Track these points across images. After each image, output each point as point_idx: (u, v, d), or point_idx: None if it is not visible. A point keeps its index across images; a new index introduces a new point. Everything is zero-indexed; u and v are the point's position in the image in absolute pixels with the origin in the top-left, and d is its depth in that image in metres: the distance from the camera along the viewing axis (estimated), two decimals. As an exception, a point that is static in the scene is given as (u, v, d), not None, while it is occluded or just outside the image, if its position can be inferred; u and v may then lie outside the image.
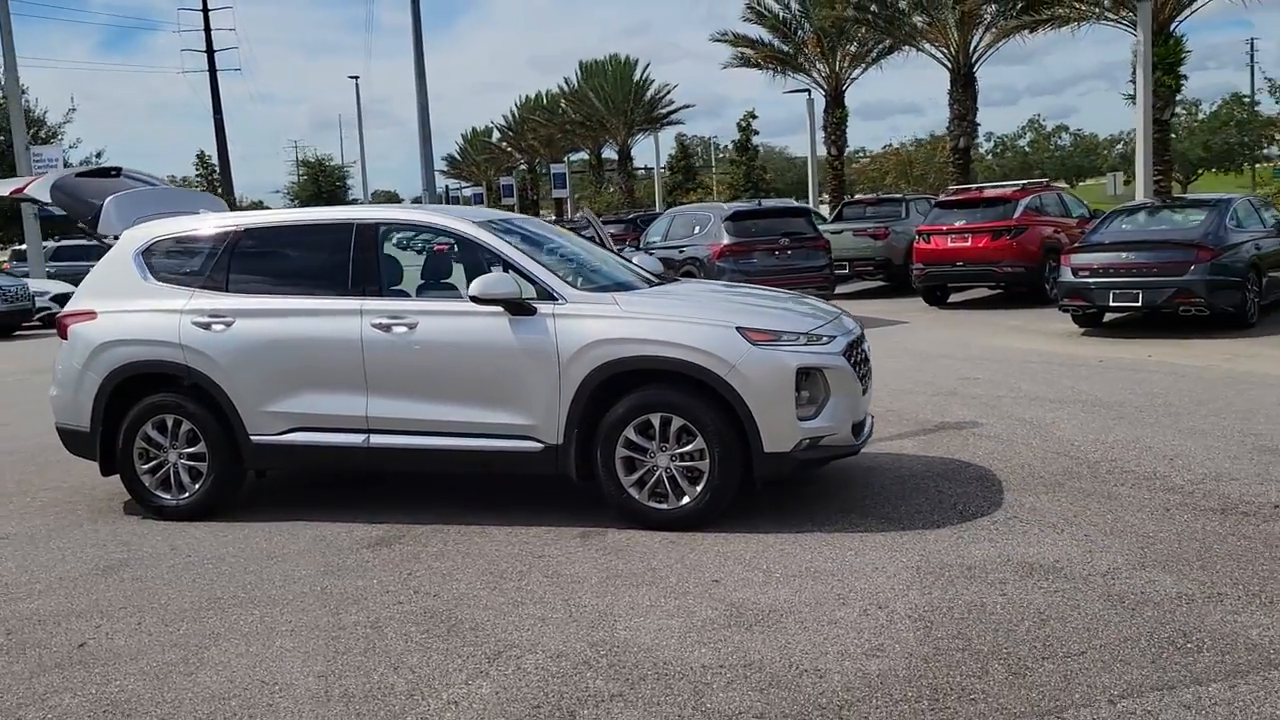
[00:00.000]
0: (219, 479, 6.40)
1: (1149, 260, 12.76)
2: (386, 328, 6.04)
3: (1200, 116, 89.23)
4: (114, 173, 7.41)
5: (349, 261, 6.27)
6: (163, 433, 6.50)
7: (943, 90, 29.35)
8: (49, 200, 6.99)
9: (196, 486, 6.46)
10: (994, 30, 27.32)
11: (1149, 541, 5.14)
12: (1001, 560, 4.97)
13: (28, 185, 7.06)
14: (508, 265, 6.00)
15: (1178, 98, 24.32)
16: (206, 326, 6.33)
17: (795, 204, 22.10)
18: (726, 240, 15.40)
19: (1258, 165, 69.35)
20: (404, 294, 6.49)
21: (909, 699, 3.65)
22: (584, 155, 64.78)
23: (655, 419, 5.69)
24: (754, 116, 44.42)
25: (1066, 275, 13.34)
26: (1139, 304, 12.60)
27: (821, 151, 36.67)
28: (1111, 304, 12.71)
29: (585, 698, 3.78)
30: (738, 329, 5.66)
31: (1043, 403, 8.61)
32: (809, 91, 33.55)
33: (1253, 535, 5.16)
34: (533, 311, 5.85)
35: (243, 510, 6.56)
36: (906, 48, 31.03)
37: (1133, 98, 24.17)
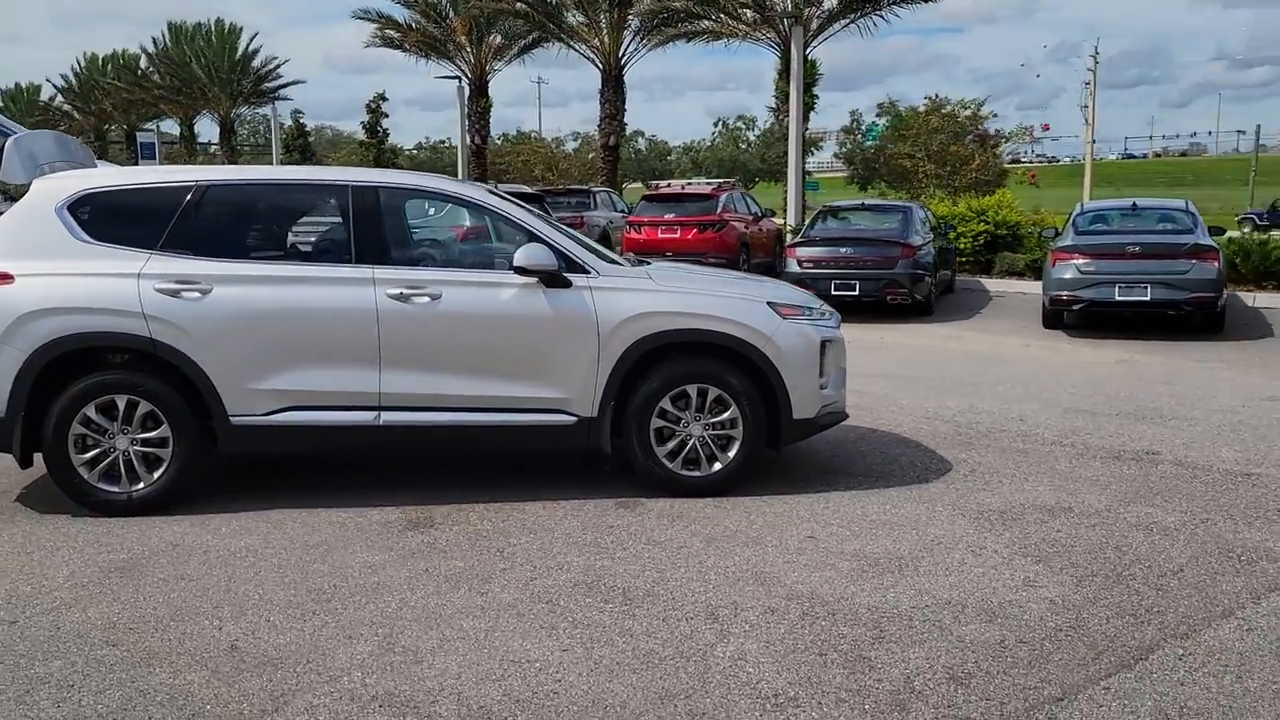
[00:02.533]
0: (184, 467, 5.72)
1: (863, 255, 14.57)
2: (405, 298, 5.74)
3: (757, 132, 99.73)
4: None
5: (348, 227, 5.86)
6: (109, 416, 5.67)
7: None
8: (-73, 138, 5.77)
9: (155, 476, 5.71)
10: (654, 36, 28.97)
11: (1103, 484, 6.21)
12: (1019, 505, 5.80)
13: None
14: (533, 236, 5.93)
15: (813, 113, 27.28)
16: (175, 294, 5.62)
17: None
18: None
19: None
20: (417, 263, 6.16)
21: (1111, 615, 4.30)
22: (173, 125, 59.57)
23: (692, 390, 5.94)
24: (384, 99, 43.32)
25: (793, 267, 14.86)
26: (857, 293, 14.31)
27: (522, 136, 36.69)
28: (833, 293, 14.25)
29: (844, 642, 4.04)
30: (768, 303, 6.05)
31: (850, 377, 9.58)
32: (459, 78, 33.54)
33: (1169, 475, 6.39)
34: (568, 284, 5.85)
35: (192, 504, 5.88)
36: (558, 44, 32.02)
37: (775, 110, 26.97)
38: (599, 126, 31.62)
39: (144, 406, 5.63)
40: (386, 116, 42.13)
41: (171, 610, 4.40)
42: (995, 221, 19.63)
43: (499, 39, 34.55)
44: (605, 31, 29.92)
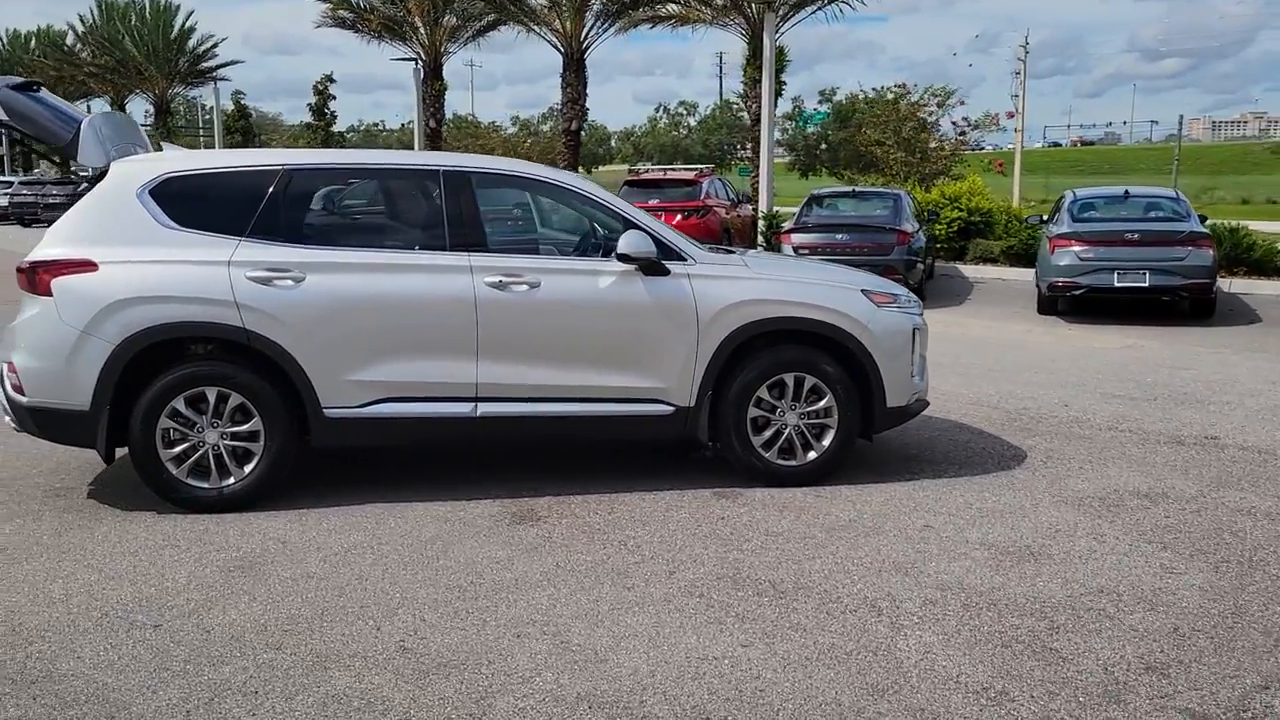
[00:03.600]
0: (275, 462, 5.54)
1: (860, 242, 14.65)
2: (503, 286, 5.62)
3: (697, 118, 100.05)
4: (34, 88, 5.93)
5: (442, 212, 5.71)
6: (197, 410, 5.47)
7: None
8: (2, 115, 5.48)
9: (246, 471, 5.53)
10: (617, 20, 28.74)
11: (1183, 469, 6.31)
12: (1113, 491, 5.87)
13: None
14: (631, 223, 5.85)
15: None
16: (267, 282, 5.44)
17: None
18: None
19: (734, 163, 78.66)
20: (511, 250, 6.04)
21: (1267, 601, 4.37)
22: (104, 105, 57.73)
23: (789, 378, 5.90)
24: (332, 80, 42.43)
25: (788, 254, 14.88)
26: (853, 280, 14.38)
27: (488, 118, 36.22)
28: (829, 279, 14.31)
29: (1021, 633, 4.05)
30: (862, 291, 6.04)
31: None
32: (416, 60, 32.98)
33: (1240, 459, 6.53)
34: (666, 271, 5.78)
35: (279, 500, 5.70)
36: (517, 27, 31.64)
37: (744, 97, 26.98)
38: (560, 111, 31.39)
39: (235, 399, 5.44)
40: (334, 99, 41.27)
41: (316, 611, 4.26)
42: (969, 208, 19.88)
43: (454, 20, 34.00)
44: (567, 15, 29.60)
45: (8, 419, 5.62)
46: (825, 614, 4.20)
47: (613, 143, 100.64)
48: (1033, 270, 17.07)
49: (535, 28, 30.52)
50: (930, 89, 26.03)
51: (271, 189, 5.59)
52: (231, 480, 5.49)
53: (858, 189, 17.98)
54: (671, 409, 5.80)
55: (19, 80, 5.73)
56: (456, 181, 5.73)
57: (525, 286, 5.63)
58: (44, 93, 5.77)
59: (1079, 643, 3.92)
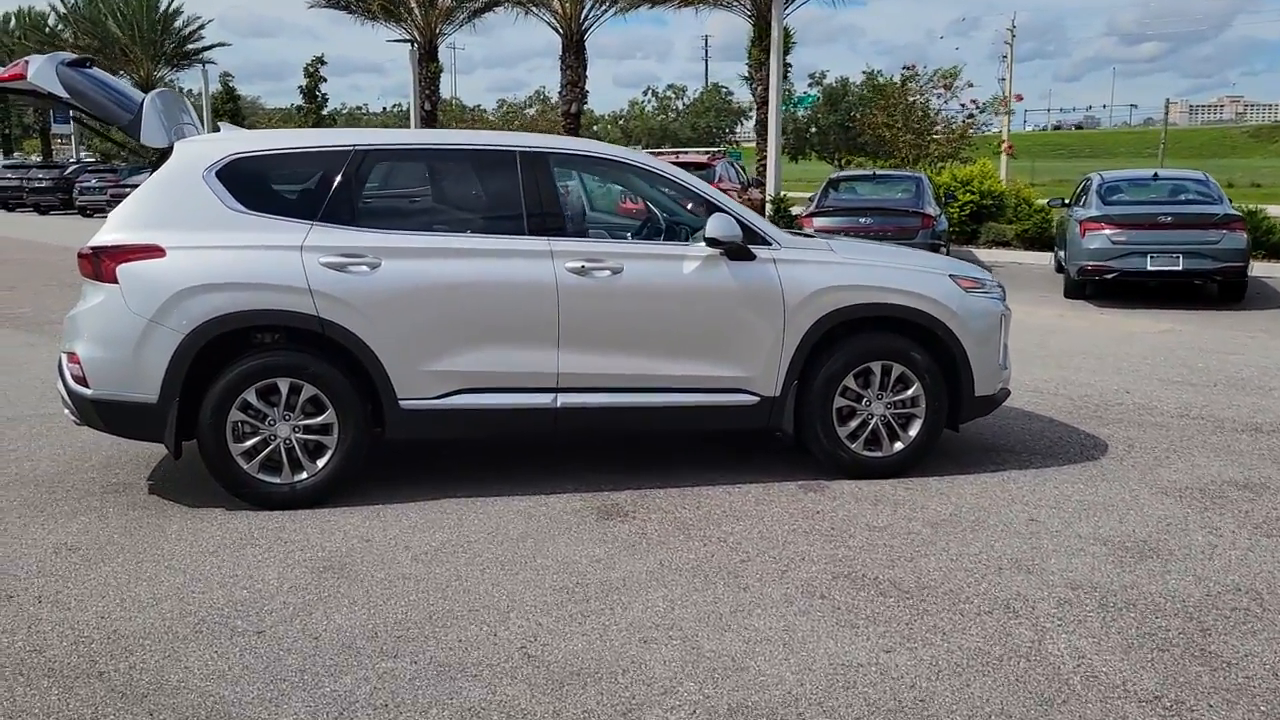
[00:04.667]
0: (349, 456, 5.31)
1: (883, 225, 14.46)
2: (585, 271, 5.40)
3: (686, 100, 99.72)
4: (87, 64, 5.64)
5: (520, 195, 5.48)
6: (269, 402, 5.23)
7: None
8: (60, 92, 5.20)
9: (319, 466, 5.30)
10: (620, 2, 28.41)
11: (1274, 458, 6.16)
12: (1209, 481, 5.71)
13: (24, 69, 5.18)
14: (714, 206, 5.63)
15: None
16: (341, 268, 5.20)
17: None
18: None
19: (725, 145, 78.69)
20: (591, 234, 5.81)
21: None
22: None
23: (876, 367, 5.71)
24: (323, 62, 41.90)
25: (810, 237, 14.68)
26: (876, 264, 14.18)
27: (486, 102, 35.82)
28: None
29: (1173, 635, 3.88)
30: (950, 275, 5.84)
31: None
32: (412, 43, 32.57)
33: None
34: (752, 256, 5.57)
35: (349, 496, 5.49)
36: (515, 8, 31.27)
37: (749, 79, 26.74)
38: (560, 93, 31.12)
39: (308, 390, 5.21)
40: (324, 81, 40.77)
41: (424, 615, 4.05)
42: (981, 191, 19.72)
43: (450, 2, 33.58)
44: (565, -5, 29.28)
45: (67, 412, 5.37)
46: (959, 615, 4.02)
47: (595, 128, 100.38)
48: (1049, 254, 16.98)
49: (534, 9, 30.17)
50: (939, 71, 25.80)
51: (343, 170, 5.34)
52: (304, 475, 5.26)
53: (877, 172, 17.76)
54: (756, 399, 5.60)
55: (72, 56, 5.45)
56: (534, 162, 5.49)
57: (607, 272, 5.41)
58: (95, 70, 5.49)
59: (1237, 645, 3.75)
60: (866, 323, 5.73)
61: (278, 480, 5.24)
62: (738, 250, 5.51)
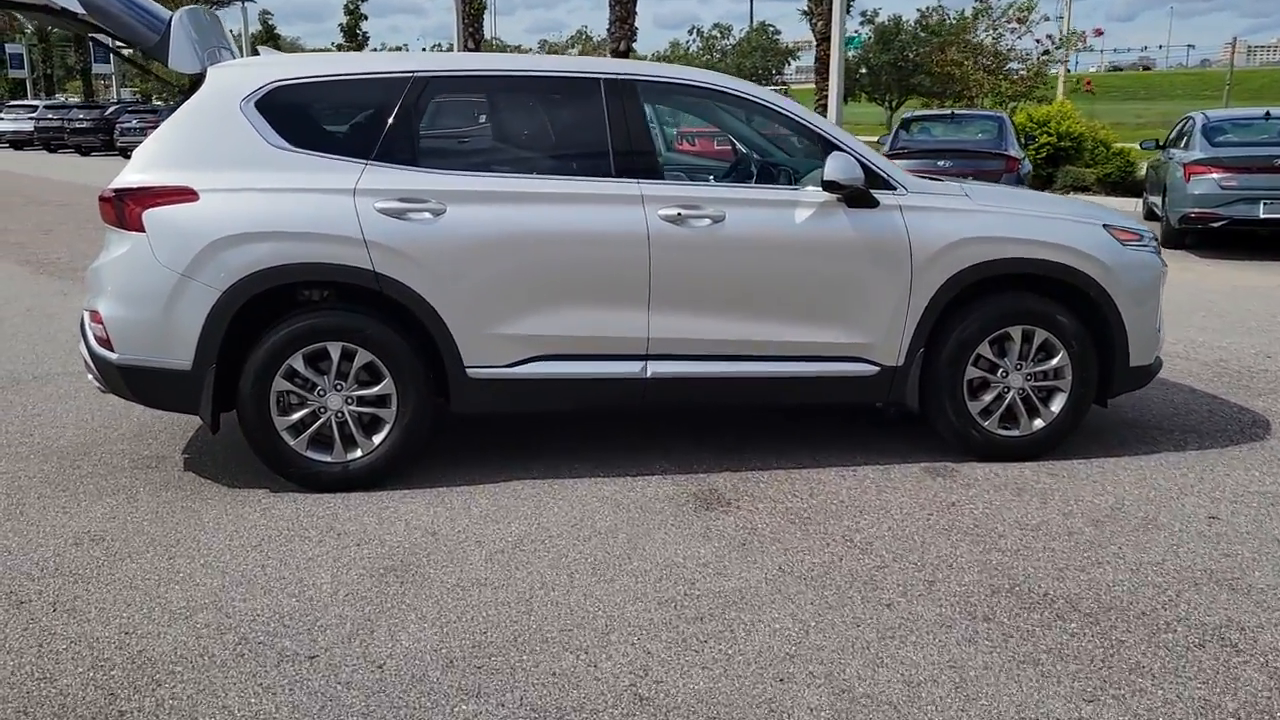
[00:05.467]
0: (409, 431, 4.61)
1: (965, 169, 13.41)
2: (681, 219, 4.62)
3: (731, 41, 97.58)
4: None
5: (606, 130, 4.69)
6: (317, 369, 4.53)
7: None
8: (75, 8, 4.47)
9: (375, 442, 4.60)
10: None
11: None
12: None
13: None
14: (833, 145, 4.81)
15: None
16: (400, 215, 4.45)
17: None
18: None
19: (775, 86, 76.82)
20: (688, 176, 5.03)
21: None
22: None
23: (1016, 332, 4.90)
24: (364, -1, 40.95)
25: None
26: (956, 210, 13.25)
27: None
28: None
29: None
30: (1104, 226, 5.00)
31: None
32: (454, -22, 31.42)
33: None
34: (875, 203, 4.76)
35: (407, 476, 4.83)
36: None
37: (808, 15, 25.54)
38: (609, 31, 29.93)
39: (362, 356, 4.50)
40: (365, 19, 39.80)
41: (507, 636, 3.35)
42: (1058, 133, 18.59)
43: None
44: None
45: (91, 378, 4.70)
46: (1165, 650, 3.26)
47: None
48: (1135, 200, 15.91)
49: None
50: (1014, 5, 24.39)
51: (401, 101, 4.58)
52: (358, 453, 4.58)
53: (955, 111, 16.68)
54: (876, 369, 4.83)
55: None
56: (621, 92, 4.70)
57: (707, 220, 4.62)
58: None
59: None
60: (1004, 281, 4.91)
61: (328, 459, 4.56)
62: (859, 196, 4.71)
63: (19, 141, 39.29)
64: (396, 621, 3.44)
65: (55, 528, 4.20)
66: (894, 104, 54.96)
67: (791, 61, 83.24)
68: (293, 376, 4.49)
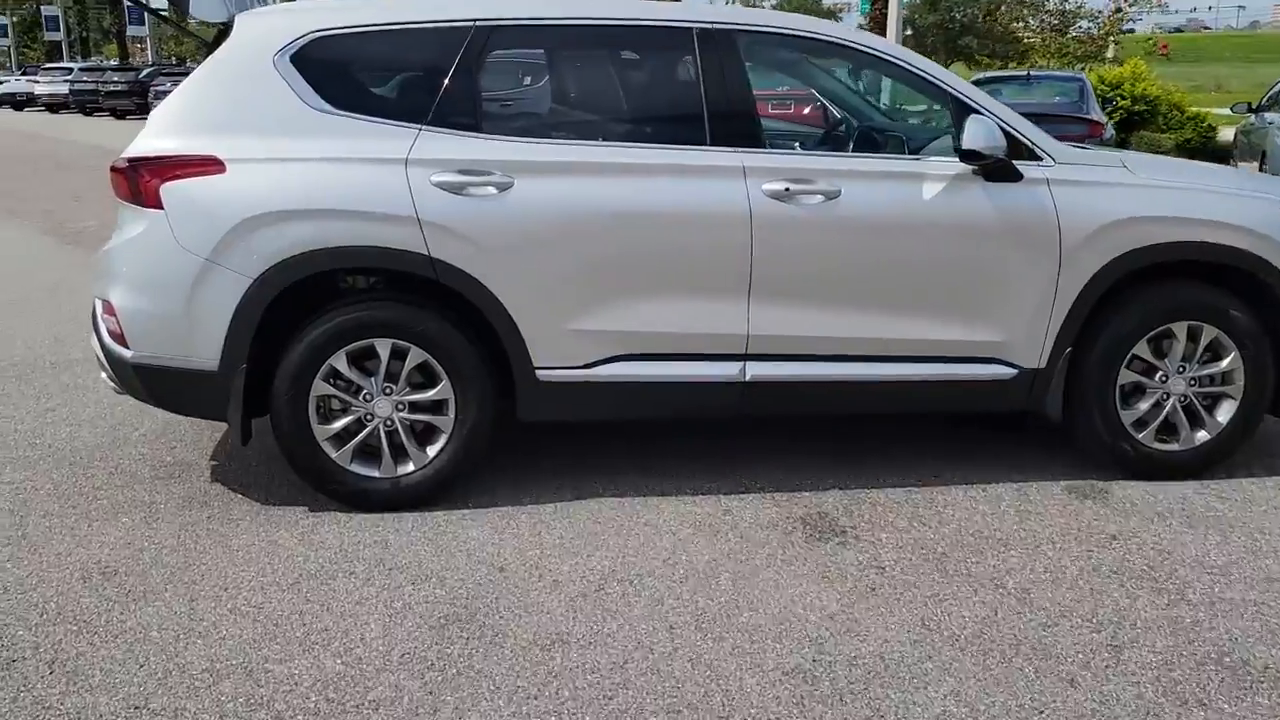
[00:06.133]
0: (469, 441, 3.94)
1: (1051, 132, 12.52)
2: (789, 196, 3.89)
3: (770, 3, 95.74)
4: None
5: (700, 89, 3.96)
6: (364, 370, 3.86)
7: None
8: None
9: (429, 455, 3.93)
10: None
11: None
12: None
13: None
14: (968, 107, 4.05)
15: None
16: (460, 189, 3.75)
17: None
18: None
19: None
20: (796, 144, 4.30)
21: None
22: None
23: (1180, 330, 4.15)
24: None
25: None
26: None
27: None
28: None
29: None
30: (1288, 205, 4.22)
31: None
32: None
33: None
34: (1019, 176, 4.00)
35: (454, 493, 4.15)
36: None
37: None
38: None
39: (415, 355, 3.83)
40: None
41: (621, 710, 2.67)
42: (1132, 96, 17.56)
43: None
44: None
45: (104, 377, 4.07)
46: None
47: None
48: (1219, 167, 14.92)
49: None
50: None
51: (461, 54, 3.87)
52: (410, 467, 3.93)
53: (1031, 73, 15.69)
54: (1013, 371, 4.10)
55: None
56: (719, 43, 3.96)
57: (819, 197, 3.90)
58: None
59: None
60: (1167, 270, 4.15)
61: (376, 473, 3.92)
62: (1000, 168, 3.96)
63: (55, 105, 38.98)
64: (464, 696, 2.79)
65: (61, 556, 3.58)
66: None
67: (837, 19, 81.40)
68: (335, 378, 3.84)
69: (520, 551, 3.63)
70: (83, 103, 37.23)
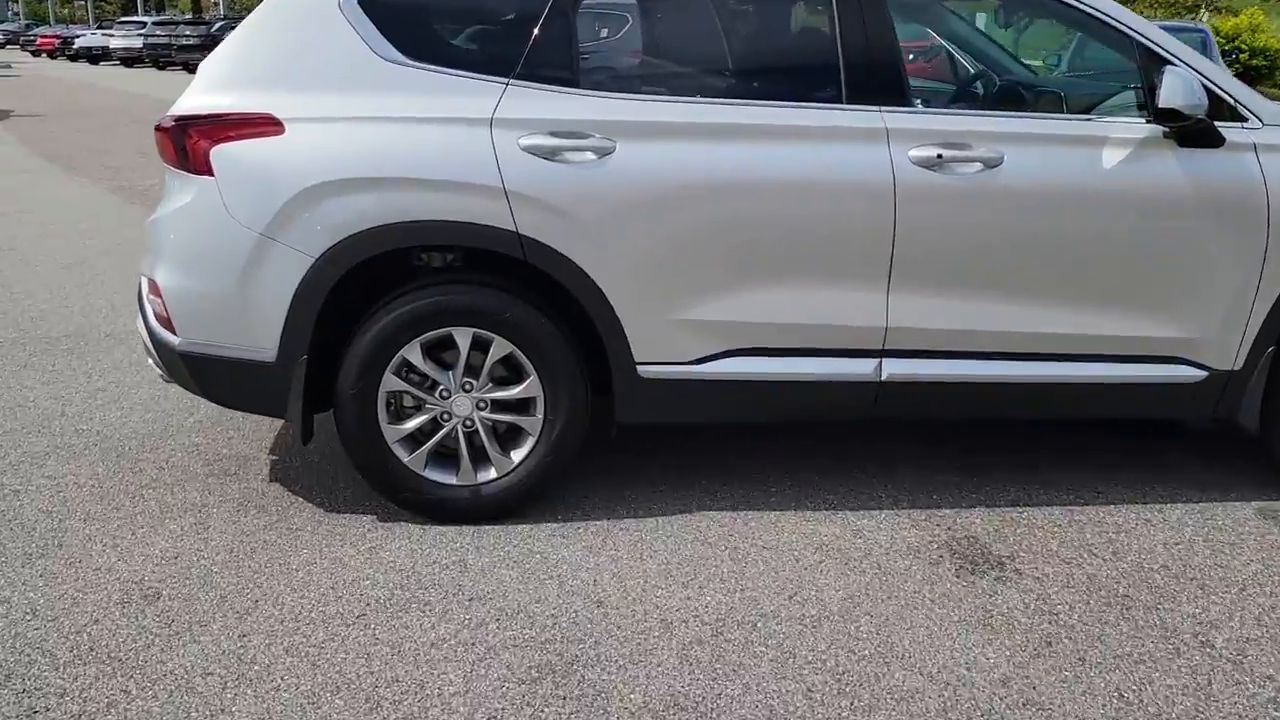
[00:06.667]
0: (559, 444, 3.39)
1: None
2: (940, 163, 3.26)
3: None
4: None
5: (835, 37, 3.32)
6: (441, 363, 3.33)
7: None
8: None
9: (514, 460, 3.40)
10: None
11: None
12: None
13: None
14: (1151, 56, 3.37)
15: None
16: (553, 154, 3.18)
17: None
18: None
19: None
20: (946, 102, 3.67)
21: None
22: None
23: (1401, 326, 3.44)
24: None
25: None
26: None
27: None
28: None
29: None
30: None
31: None
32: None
33: None
34: (1220, 140, 3.31)
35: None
36: None
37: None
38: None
39: (499, 347, 3.29)
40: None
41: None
42: (1251, 49, 16.37)
43: None
44: None
45: (151, 363, 3.60)
46: None
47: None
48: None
49: None
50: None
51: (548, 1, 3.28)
52: (492, 474, 3.41)
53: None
54: (1202, 374, 3.46)
55: None
56: (857, -16, 3.32)
57: (977, 165, 3.26)
58: None
59: None
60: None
61: (454, 480, 3.42)
62: (1199, 131, 3.28)
63: (129, 59, 39.14)
64: (566, 782, 2.26)
65: (100, 573, 3.14)
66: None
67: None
68: (408, 372, 3.33)
69: (620, 580, 3.10)
70: (156, 56, 37.32)
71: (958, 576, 3.14)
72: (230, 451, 4.04)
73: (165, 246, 3.35)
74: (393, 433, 3.37)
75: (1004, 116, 3.44)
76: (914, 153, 3.27)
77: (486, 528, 3.41)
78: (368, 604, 2.99)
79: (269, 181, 3.17)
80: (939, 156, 3.27)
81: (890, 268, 3.33)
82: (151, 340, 3.50)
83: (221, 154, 3.20)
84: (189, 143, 3.24)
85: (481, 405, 3.38)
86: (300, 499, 3.64)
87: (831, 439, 4.11)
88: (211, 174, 3.21)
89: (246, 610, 2.95)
